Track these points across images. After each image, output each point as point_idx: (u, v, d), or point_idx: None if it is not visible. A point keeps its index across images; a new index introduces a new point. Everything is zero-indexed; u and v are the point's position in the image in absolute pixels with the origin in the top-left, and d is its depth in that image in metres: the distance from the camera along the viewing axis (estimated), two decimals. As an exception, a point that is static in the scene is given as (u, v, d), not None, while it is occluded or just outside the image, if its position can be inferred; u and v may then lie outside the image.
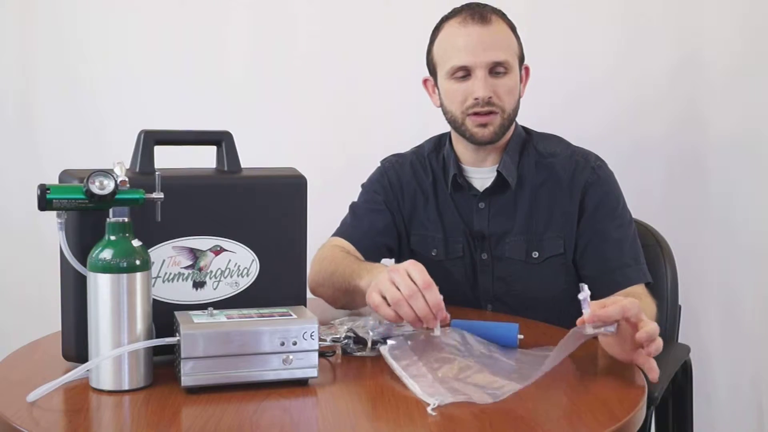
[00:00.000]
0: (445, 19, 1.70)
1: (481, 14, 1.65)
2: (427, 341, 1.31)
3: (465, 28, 1.65)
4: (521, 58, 1.71)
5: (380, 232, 1.77)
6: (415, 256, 1.77)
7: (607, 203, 1.67)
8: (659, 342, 1.21)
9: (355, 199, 1.85)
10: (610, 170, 1.71)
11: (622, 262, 1.63)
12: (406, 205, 1.80)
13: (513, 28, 1.69)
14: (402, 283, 1.32)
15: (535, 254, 1.69)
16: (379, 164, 1.87)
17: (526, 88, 1.75)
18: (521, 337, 1.36)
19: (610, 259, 1.63)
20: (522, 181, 1.71)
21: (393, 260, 1.83)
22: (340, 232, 1.78)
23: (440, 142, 1.81)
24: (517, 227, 1.70)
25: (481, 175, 1.74)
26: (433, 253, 1.76)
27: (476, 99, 1.63)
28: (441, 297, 1.32)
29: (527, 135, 1.77)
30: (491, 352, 1.31)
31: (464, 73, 1.64)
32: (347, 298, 1.59)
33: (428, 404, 1.09)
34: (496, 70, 1.64)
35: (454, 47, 1.66)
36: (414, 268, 1.34)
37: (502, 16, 1.69)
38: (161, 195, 1.19)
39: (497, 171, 1.70)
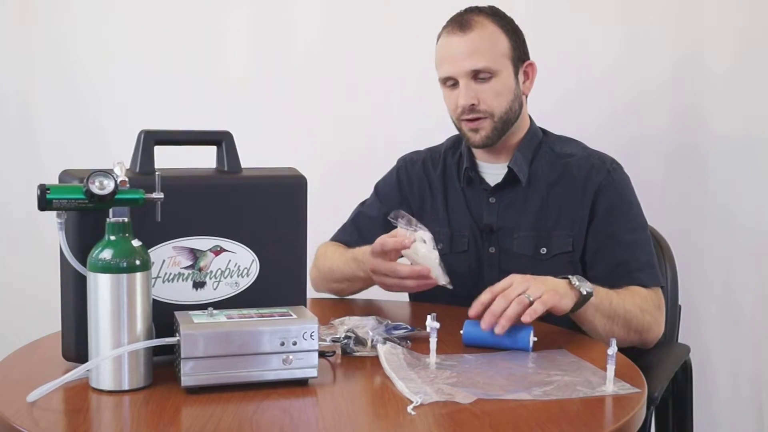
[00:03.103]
0: (442, 28, 1.73)
1: (461, 23, 1.68)
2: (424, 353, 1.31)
3: (448, 38, 1.70)
4: (517, 58, 1.70)
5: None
6: None
7: (619, 206, 1.68)
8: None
9: (367, 197, 1.89)
10: (625, 174, 1.72)
11: (633, 266, 1.62)
12: (416, 203, 1.83)
13: (507, 28, 1.69)
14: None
15: (544, 250, 1.69)
16: (396, 162, 1.90)
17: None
18: (535, 339, 1.35)
19: (621, 263, 1.63)
20: (534, 179, 1.73)
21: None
22: (338, 238, 1.86)
23: (459, 139, 1.83)
24: (527, 223, 1.71)
25: (494, 171, 1.76)
26: (439, 247, 1.77)
27: (461, 107, 1.68)
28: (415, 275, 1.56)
29: (544, 136, 1.79)
30: (492, 360, 1.30)
31: (452, 81, 1.69)
32: (350, 286, 1.77)
33: (411, 402, 1.09)
34: (479, 76, 1.67)
35: (440, 58, 1.72)
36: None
37: (494, 17, 1.69)
38: (161, 195, 1.19)
39: (508, 167, 1.72)
